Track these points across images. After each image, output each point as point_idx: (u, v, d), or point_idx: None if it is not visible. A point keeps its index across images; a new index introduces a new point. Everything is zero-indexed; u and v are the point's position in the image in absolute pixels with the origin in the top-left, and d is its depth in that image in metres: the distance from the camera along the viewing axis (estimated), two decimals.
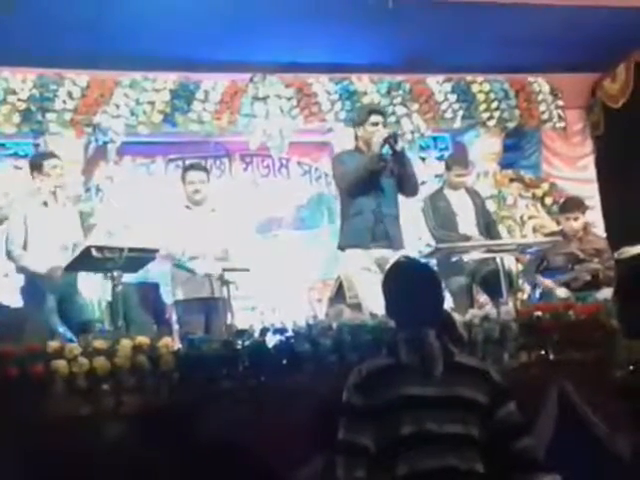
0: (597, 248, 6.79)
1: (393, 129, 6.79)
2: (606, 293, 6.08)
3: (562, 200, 7.63)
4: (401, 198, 6.04)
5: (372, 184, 5.78)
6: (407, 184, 5.93)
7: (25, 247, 5.95)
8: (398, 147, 5.78)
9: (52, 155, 6.38)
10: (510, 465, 2.89)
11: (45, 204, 6.08)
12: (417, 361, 2.90)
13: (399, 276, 3.15)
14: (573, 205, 6.99)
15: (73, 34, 7.00)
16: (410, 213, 6.87)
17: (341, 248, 5.99)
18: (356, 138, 6.05)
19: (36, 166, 6.21)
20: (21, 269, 6.03)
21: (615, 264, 6.62)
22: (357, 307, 5.75)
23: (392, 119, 8.39)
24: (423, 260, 5.78)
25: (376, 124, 5.90)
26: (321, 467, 3.72)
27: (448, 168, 7.16)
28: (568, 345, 4.77)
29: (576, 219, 6.83)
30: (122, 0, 6.71)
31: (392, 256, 5.48)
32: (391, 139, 5.74)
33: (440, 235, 6.71)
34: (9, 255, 6.02)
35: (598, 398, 4.41)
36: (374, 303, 4.95)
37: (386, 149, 5.76)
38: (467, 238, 6.60)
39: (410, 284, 3.04)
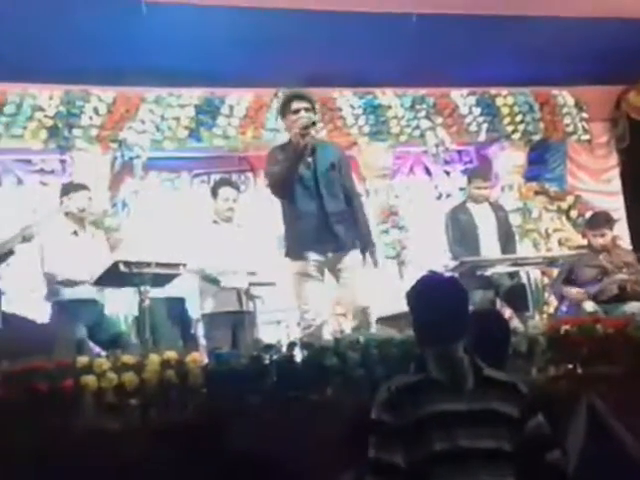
0: (626, 261, 6.66)
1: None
2: (634, 306, 6.04)
3: (589, 215, 7.49)
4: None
5: (307, 182, 5.16)
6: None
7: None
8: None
9: (82, 187, 6.38)
10: (541, 478, 2.86)
11: (75, 233, 6.16)
12: (447, 377, 2.88)
13: (423, 292, 3.05)
14: (600, 221, 6.83)
15: (99, 51, 7.06)
16: (436, 226, 6.86)
17: (288, 256, 5.33)
18: (286, 129, 5.39)
19: (66, 193, 6.27)
20: (59, 284, 6.03)
21: None
22: None
23: (417, 133, 8.41)
24: (448, 274, 5.77)
25: (297, 111, 5.15)
26: None
27: (469, 181, 7.18)
28: (596, 359, 4.72)
29: (602, 235, 6.68)
30: (146, 17, 6.75)
31: (339, 258, 5.19)
32: (310, 128, 5.07)
33: (457, 252, 6.69)
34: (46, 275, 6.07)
35: (627, 412, 4.37)
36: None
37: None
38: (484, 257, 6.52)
39: (434, 299, 2.96)
